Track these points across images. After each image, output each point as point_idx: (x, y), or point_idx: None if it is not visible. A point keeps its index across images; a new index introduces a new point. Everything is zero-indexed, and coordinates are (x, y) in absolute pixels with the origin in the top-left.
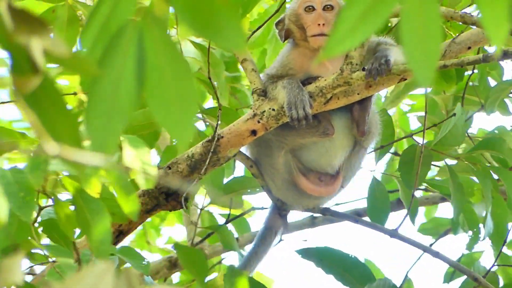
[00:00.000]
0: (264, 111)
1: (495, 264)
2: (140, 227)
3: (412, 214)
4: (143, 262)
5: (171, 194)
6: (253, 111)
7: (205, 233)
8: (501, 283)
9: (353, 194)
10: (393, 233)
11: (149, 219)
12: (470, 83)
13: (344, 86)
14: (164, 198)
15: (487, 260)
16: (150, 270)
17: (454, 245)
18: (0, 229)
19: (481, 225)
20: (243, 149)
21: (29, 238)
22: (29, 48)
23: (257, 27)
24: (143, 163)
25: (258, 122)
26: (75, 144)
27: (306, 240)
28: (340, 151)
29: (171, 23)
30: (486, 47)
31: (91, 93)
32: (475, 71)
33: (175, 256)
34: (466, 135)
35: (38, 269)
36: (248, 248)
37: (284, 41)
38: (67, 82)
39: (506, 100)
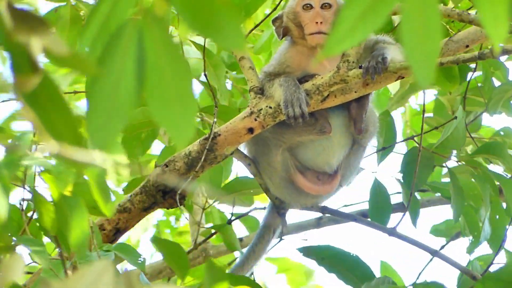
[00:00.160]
0: (261, 109)
1: (493, 262)
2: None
3: (413, 216)
4: (139, 259)
5: (168, 192)
6: (250, 109)
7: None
8: None
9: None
10: (392, 232)
11: (163, 218)
12: (479, 84)
13: (340, 84)
14: (161, 196)
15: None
16: (153, 270)
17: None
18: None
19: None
20: (242, 148)
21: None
22: (29, 47)
23: (261, 30)
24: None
25: (255, 120)
26: (75, 143)
27: (306, 240)
28: (337, 149)
29: (173, 22)
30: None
31: (91, 92)
32: (480, 72)
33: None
34: (470, 137)
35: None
36: None
37: (282, 38)
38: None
39: None
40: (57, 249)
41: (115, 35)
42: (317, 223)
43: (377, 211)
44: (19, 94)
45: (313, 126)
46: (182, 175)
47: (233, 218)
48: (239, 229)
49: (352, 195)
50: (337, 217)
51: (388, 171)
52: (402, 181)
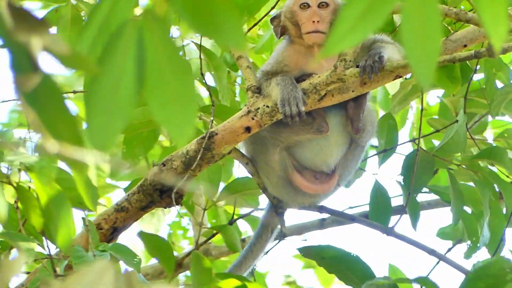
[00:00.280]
0: (258, 108)
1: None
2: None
3: (413, 219)
4: (135, 259)
5: (165, 191)
6: (248, 108)
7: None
8: None
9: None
10: (389, 231)
11: (176, 219)
12: (483, 86)
13: (337, 83)
14: (158, 195)
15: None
16: (154, 270)
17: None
18: None
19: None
20: (239, 147)
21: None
22: (29, 47)
23: (263, 30)
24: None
25: (252, 119)
26: (75, 142)
27: (306, 240)
28: (335, 148)
29: (175, 22)
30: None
31: (91, 91)
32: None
33: (180, 256)
34: (472, 139)
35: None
36: None
37: (279, 37)
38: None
39: None
40: (46, 246)
41: (115, 35)
42: (321, 224)
43: (378, 213)
44: (19, 94)
45: (311, 125)
46: (180, 174)
47: (234, 218)
48: (246, 230)
49: (356, 197)
50: (335, 216)
51: (391, 173)
52: (402, 183)
